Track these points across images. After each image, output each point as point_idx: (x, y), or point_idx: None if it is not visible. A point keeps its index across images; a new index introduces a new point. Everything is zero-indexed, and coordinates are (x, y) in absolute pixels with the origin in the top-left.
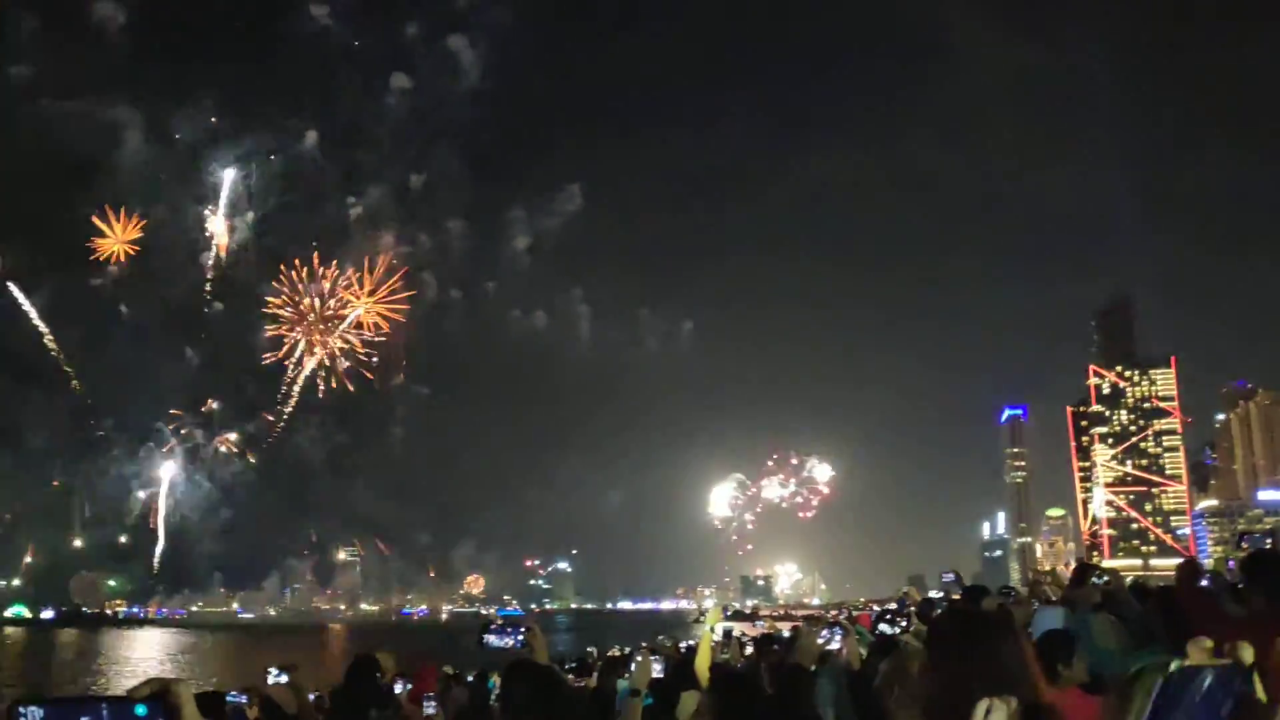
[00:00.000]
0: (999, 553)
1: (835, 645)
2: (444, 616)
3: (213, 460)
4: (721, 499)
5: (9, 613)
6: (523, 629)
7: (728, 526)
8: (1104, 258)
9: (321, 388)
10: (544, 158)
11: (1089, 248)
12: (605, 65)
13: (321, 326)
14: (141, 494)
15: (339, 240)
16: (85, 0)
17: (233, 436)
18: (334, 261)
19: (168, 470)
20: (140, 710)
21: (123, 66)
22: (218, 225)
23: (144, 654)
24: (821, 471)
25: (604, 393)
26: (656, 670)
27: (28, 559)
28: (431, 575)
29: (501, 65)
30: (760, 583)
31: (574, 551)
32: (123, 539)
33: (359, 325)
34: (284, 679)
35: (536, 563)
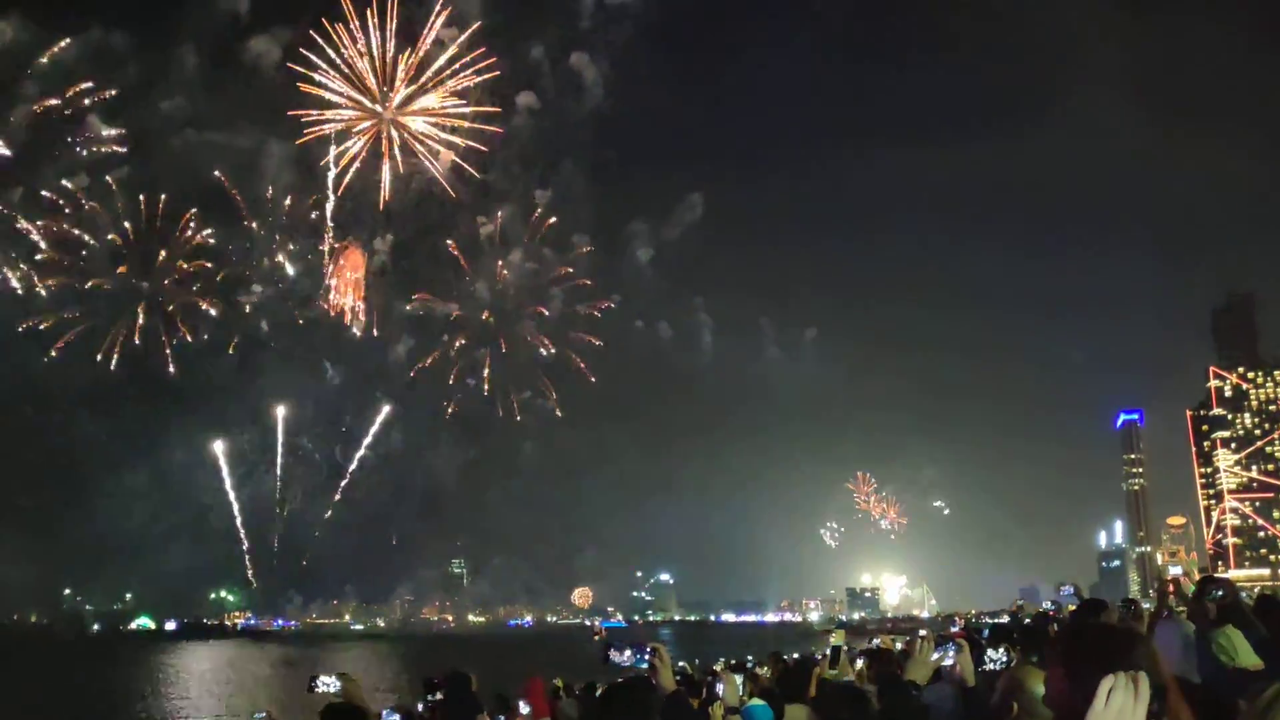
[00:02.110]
0: (1117, 563)
1: (949, 661)
2: (594, 626)
3: (351, 475)
4: (826, 532)
5: (134, 625)
6: (649, 649)
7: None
8: (1223, 254)
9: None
10: (665, 168)
11: (1207, 243)
12: (725, 74)
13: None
14: (277, 509)
15: (470, 260)
16: (242, 37)
17: (370, 452)
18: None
19: (305, 485)
20: None
21: (275, 99)
22: (357, 248)
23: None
24: (932, 495)
25: (725, 403)
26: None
27: (156, 572)
28: (554, 589)
29: (623, 80)
30: (867, 595)
31: (676, 563)
32: (253, 553)
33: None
34: (335, 687)
35: (639, 574)
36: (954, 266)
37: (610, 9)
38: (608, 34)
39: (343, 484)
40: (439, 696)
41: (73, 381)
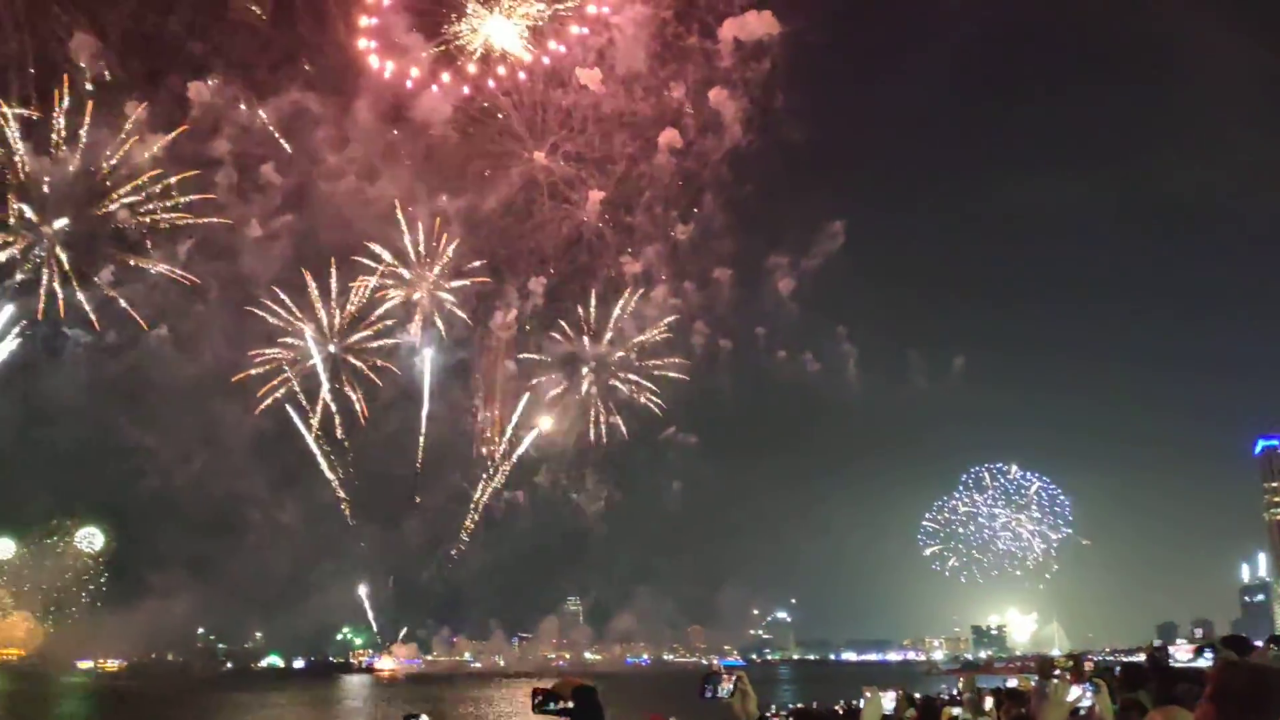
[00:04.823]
0: (1261, 597)
1: (1087, 701)
2: (712, 664)
3: (496, 513)
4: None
5: (264, 663)
6: (734, 676)
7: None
8: None
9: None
10: (805, 199)
11: None
12: (864, 104)
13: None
14: (428, 548)
15: (614, 298)
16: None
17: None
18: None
19: (450, 523)
20: None
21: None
22: (511, 290)
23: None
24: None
25: (864, 436)
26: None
27: (290, 611)
28: (686, 625)
29: (761, 113)
30: (994, 632)
31: (793, 600)
32: (373, 593)
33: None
34: None
35: (756, 612)
36: (1093, 291)
37: (748, 47)
38: (746, 70)
39: (487, 522)
40: (562, 706)
41: (248, 432)
